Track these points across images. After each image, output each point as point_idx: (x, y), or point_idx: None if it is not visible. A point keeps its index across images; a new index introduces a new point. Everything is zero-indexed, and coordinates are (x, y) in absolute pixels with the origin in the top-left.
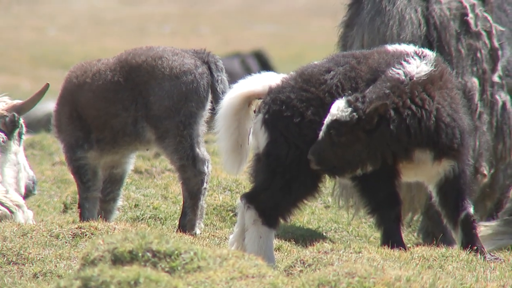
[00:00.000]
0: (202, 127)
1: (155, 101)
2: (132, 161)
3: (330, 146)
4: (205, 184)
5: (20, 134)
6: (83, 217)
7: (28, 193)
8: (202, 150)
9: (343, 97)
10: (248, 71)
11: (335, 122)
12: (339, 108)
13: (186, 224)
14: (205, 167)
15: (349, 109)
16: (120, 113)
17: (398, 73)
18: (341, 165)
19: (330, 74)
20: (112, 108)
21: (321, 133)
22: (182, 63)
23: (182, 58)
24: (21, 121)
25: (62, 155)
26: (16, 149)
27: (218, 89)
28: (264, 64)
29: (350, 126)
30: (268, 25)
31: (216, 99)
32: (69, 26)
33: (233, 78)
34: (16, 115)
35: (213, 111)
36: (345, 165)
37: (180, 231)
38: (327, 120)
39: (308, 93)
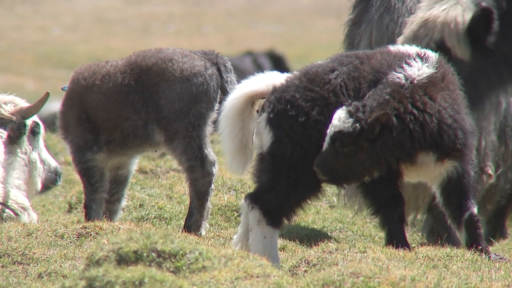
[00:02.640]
0: (209, 128)
1: (166, 104)
2: (136, 161)
3: (334, 156)
4: (212, 185)
5: (34, 133)
6: (89, 218)
7: (49, 185)
8: (210, 151)
9: (344, 107)
10: (260, 70)
11: (338, 134)
12: (340, 119)
13: (192, 224)
14: (213, 168)
15: (351, 120)
16: (131, 116)
17: (398, 77)
18: (347, 175)
19: (334, 74)
20: (123, 111)
21: (324, 144)
22: (192, 65)
23: (192, 60)
24: (29, 125)
25: (67, 155)
26: (27, 149)
27: (228, 89)
28: (277, 63)
29: (353, 137)
30: (272, 25)
31: None
32: (73, 26)
33: (245, 78)
34: (22, 121)
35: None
36: (351, 174)
37: (186, 232)
38: (329, 131)
39: (313, 93)
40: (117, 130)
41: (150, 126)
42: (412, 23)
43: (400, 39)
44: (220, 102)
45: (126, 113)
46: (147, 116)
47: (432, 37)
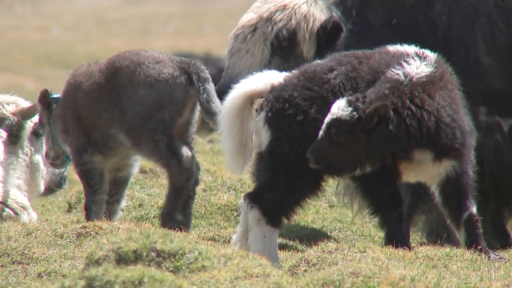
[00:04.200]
0: (187, 128)
1: (129, 106)
2: (137, 164)
3: (329, 145)
4: (191, 180)
5: (37, 135)
6: (88, 219)
7: (54, 188)
8: (183, 147)
9: (344, 97)
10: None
11: (335, 121)
12: (339, 107)
13: (164, 214)
14: (191, 164)
15: (350, 109)
16: (102, 114)
17: (397, 74)
18: (339, 165)
19: (332, 74)
20: (96, 109)
21: (320, 132)
22: (159, 72)
23: (161, 67)
24: (30, 126)
25: None
26: (28, 151)
27: (201, 98)
28: None
29: (349, 125)
30: None
31: (203, 108)
32: (72, 26)
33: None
34: (19, 121)
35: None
36: (344, 164)
37: (161, 220)
38: (327, 119)
39: (311, 92)
40: (96, 129)
41: (114, 128)
42: (266, 2)
43: (250, 15)
44: (202, 110)
45: (98, 111)
46: (113, 116)
47: (287, 24)
